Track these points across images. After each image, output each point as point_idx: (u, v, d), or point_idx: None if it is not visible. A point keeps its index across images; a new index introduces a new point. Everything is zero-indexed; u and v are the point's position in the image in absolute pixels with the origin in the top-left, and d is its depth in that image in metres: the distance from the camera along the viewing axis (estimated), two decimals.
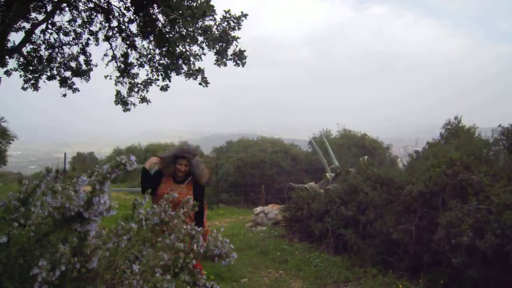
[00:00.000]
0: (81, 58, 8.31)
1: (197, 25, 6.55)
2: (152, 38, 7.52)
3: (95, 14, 7.96)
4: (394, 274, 4.63)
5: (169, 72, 7.68)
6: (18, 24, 7.53)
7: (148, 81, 8.18)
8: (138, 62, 8.08)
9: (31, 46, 7.90)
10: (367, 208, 5.50)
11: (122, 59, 8.07)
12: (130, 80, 8.26)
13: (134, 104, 8.40)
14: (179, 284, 1.35)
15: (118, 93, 8.35)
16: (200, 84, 7.62)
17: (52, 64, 8.11)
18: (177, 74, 7.63)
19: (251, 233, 7.65)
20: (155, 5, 6.55)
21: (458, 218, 3.97)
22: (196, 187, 3.52)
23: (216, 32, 6.75)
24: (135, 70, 8.22)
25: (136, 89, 8.28)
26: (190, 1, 6.53)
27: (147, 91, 8.34)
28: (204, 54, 7.28)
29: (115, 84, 8.28)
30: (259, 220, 8.51)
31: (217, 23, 6.76)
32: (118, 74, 8.17)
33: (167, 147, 23.70)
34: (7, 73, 7.87)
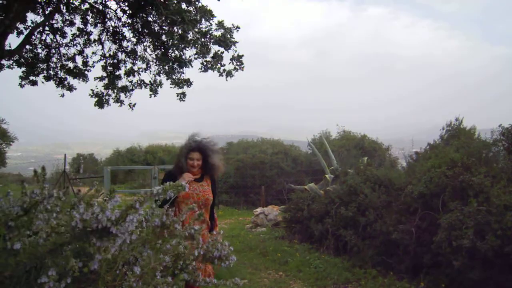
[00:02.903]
0: (79, 59, 8.30)
1: (196, 29, 6.57)
2: (148, 42, 7.51)
3: (90, 15, 7.95)
4: (394, 276, 4.63)
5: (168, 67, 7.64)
6: (17, 26, 7.50)
7: (140, 82, 8.15)
8: (129, 63, 8.05)
9: (28, 46, 7.86)
10: (366, 209, 5.49)
11: (110, 61, 8.04)
12: (120, 84, 8.20)
13: (108, 103, 8.26)
14: (178, 285, 1.35)
15: (101, 95, 8.23)
16: (177, 95, 7.60)
17: (49, 65, 8.08)
18: (168, 79, 7.63)
19: (251, 234, 7.65)
20: (152, 8, 6.54)
21: (459, 220, 3.97)
22: (212, 180, 3.27)
23: (218, 34, 6.79)
24: (122, 70, 8.16)
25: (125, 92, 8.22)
26: (187, 5, 6.55)
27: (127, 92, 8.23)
28: (196, 58, 7.28)
29: (102, 86, 8.16)
30: (259, 221, 8.51)
31: (212, 30, 6.81)
32: (105, 75, 8.13)
33: (167, 149, 23.69)
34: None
